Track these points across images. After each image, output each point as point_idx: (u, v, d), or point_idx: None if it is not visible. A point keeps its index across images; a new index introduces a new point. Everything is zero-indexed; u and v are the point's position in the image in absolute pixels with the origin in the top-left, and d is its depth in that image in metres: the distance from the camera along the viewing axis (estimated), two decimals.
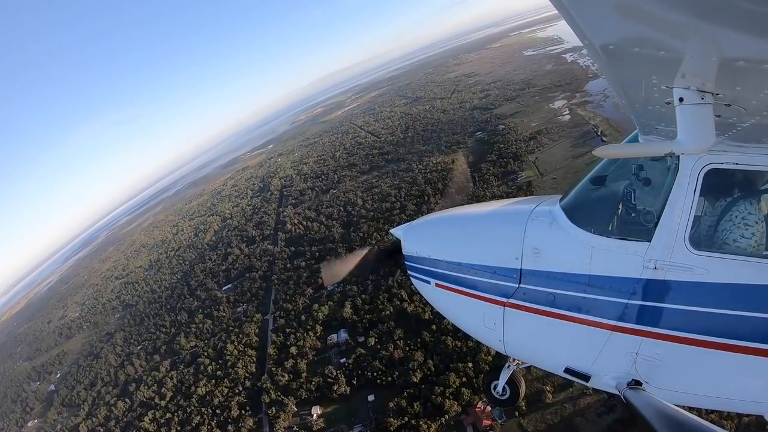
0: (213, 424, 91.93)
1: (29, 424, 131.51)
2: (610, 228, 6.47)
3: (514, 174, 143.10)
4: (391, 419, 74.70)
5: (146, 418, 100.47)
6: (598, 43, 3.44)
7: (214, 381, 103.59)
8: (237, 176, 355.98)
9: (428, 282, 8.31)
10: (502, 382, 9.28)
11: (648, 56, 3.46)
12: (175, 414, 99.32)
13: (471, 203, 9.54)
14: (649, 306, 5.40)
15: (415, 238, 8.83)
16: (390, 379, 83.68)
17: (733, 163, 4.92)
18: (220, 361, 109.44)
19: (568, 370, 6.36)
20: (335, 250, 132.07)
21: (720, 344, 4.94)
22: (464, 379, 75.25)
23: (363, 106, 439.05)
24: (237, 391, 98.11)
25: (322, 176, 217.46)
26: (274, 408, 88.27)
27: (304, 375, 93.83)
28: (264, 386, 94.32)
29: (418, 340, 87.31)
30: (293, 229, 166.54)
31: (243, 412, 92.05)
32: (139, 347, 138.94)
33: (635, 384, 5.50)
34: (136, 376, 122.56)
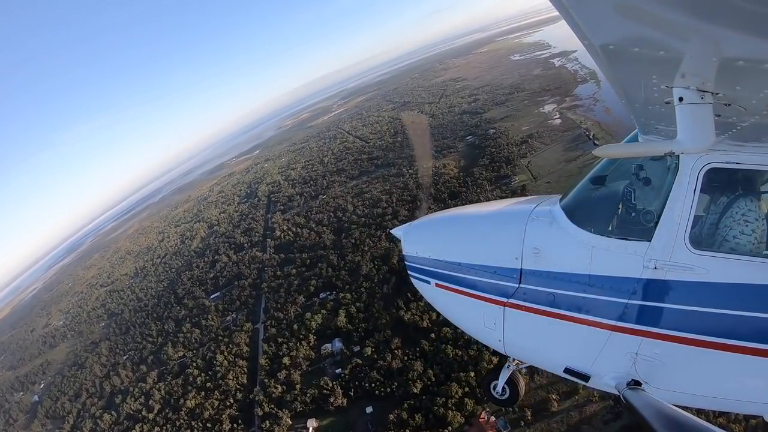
0: None
1: None
2: (610, 228, 6.53)
3: (507, 178, 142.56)
4: None
5: None
6: (598, 43, 3.43)
7: (203, 393, 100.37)
8: (223, 182, 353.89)
9: (428, 282, 8.30)
10: (501, 382, 9.21)
11: (648, 56, 3.48)
12: (164, 428, 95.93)
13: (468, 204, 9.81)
14: (649, 306, 5.39)
15: (415, 238, 8.87)
16: (389, 390, 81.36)
17: (733, 163, 4.90)
18: (209, 372, 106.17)
19: (567, 370, 6.33)
20: (327, 257, 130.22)
21: (720, 344, 4.91)
22: (466, 389, 73.35)
23: (350, 111, 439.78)
24: (228, 403, 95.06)
25: (311, 182, 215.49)
26: (267, 421, 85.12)
27: (298, 386, 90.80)
28: (257, 398, 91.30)
29: (417, 349, 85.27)
30: (282, 235, 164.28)
31: (235, 425, 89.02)
32: (125, 357, 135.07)
33: (635, 384, 5.50)
34: (122, 388, 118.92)
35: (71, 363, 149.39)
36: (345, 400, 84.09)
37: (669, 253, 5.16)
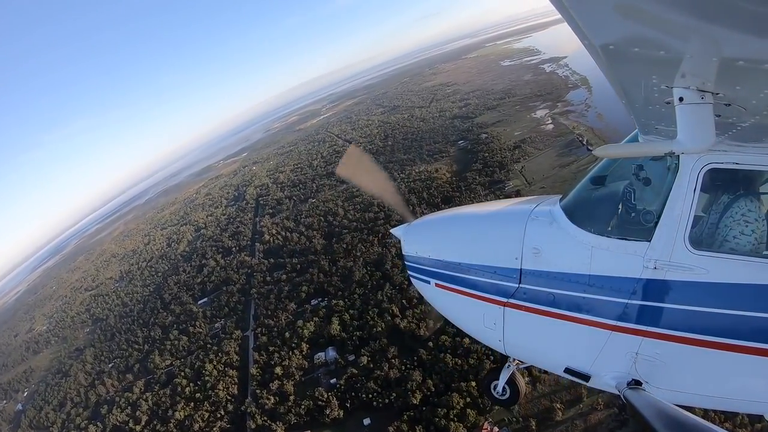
0: None
1: None
2: (610, 228, 6.38)
3: (501, 183, 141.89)
4: None
5: None
6: (598, 43, 3.45)
7: (192, 404, 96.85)
8: (210, 184, 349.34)
9: (428, 282, 8.23)
10: (501, 382, 9.20)
11: (648, 56, 3.50)
12: None
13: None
14: (649, 306, 5.38)
15: (415, 237, 8.79)
16: (387, 400, 78.84)
17: (733, 163, 4.93)
18: (198, 382, 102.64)
19: (568, 370, 6.29)
20: (318, 263, 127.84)
21: (720, 344, 4.93)
22: (468, 399, 71.41)
23: (339, 115, 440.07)
24: (219, 415, 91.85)
25: (300, 185, 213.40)
26: None
27: (291, 398, 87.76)
28: (249, 410, 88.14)
29: (415, 358, 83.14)
30: (271, 239, 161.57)
31: None
32: (110, 365, 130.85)
33: (635, 384, 5.48)
34: (108, 397, 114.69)
35: (55, 370, 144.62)
36: (341, 412, 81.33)
37: (669, 253, 5.14)
